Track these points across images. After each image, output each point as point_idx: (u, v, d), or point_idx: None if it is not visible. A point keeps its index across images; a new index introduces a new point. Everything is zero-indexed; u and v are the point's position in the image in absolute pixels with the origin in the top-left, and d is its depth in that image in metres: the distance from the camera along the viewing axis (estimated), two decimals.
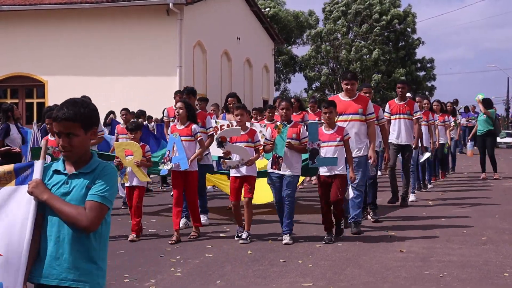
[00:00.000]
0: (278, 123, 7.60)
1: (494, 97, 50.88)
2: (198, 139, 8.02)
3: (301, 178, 9.80)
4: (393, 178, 10.36)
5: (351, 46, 39.96)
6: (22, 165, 3.00)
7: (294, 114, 11.09)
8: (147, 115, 14.95)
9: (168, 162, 7.93)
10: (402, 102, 10.30)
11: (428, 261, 6.47)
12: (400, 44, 41.69)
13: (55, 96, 20.68)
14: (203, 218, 8.64)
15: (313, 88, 43.28)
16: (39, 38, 21.60)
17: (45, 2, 21.28)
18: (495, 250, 6.92)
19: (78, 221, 2.81)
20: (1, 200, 2.93)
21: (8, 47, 21.85)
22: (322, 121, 8.22)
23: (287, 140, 7.38)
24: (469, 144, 20.96)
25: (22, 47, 21.72)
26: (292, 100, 11.59)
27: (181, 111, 7.98)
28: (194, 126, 8.02)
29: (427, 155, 11.61)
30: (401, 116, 10.22)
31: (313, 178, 13.84)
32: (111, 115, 13.95)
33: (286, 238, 7.44)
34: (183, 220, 8.54)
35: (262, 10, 32.08)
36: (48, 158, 7.35)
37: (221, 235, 7.99)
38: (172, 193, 12.19)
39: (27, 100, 22.69)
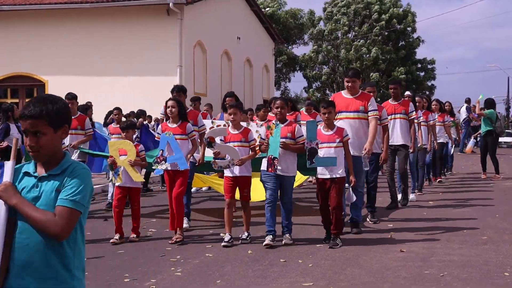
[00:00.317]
0: (271, 123, 7.49)
1: (494, 97, 50.86)
2: (192, 138, 7.92)
3: (303, 178, 9.68)
4: (392, 183, 10.18)
5: (351, 46, 39.96)
6: None
7: (287, 114, 11.01)
8: (147, 114, 14.93)
9: (163, 162, 7.72)
10: (396, 102, 10.15)
11: (428, 261, 6.47)
12: (400, 43, 41.67)
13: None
14: (185, 222, 8.35)
15: (314, 88, 43.27)
16: (39, 38, 21.60)
17: (45, 2, 21.28)
18: (495, 250, 6.92)
19: (47, 228, 2.59)
20: None
21: (8, 47, 21.85)
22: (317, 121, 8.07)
23: (282, 140, 7.24)
24: (471, 141, 20.96)
25: (22, 47, 21.72)
26: None
27: (173, 109, 7.84)
28: (188, 124, 7.93)
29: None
30: (396, 116, 10.05)
31: (313, 178, 13.84)
32: (112, 115, 13.91)
33: (287, 238, 7.39)
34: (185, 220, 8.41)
35: (262, 10, 32.07)
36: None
37: (221, 234, 7.98)
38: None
39: (28, 100, 22.62)
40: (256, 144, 7.73)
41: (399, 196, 10.43)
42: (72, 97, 10.02)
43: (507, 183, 13.78)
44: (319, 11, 44.44)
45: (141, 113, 14.40)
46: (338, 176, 7.28)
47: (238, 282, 5.82)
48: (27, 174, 2.75)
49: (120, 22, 21.21)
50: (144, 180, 8.26)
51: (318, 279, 5.82)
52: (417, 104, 11.62)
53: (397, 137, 10.03)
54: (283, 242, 7.35)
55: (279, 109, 7.48)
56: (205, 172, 10.89)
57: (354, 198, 7.74)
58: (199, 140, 8.37)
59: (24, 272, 2.63)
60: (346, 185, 7.67)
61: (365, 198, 8.80)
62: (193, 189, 12.39)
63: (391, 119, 9.92)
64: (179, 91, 8.86)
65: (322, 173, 7.38)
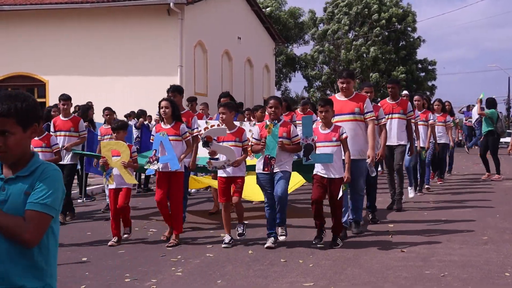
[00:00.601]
0: (268, 122, 7.34)
1: (495, 97, 50.82)
2: (186, 139, 7.80)
3: (301, 182, 9.46)
4: (392, 183, 10.02)
5: (351, 46, 39.96)
6: None
7: (283, 114, 10.77)
8: (147, 114, 14.93)
9: (155, 162, 7.61)
10: (394, 102, 10.01)
11: (429, 261, 6.47)
12: (400, 43, 41.67)
13: (56, 95, 20.51)
14: None
15: (314, 87, 43.28)
16: (40, 38, 21.61)
17: (46, 2, 21.29)
18: (496, 250, 6.91)
19: (15, 234, 2.40)
20: None
21: (9, 47, 21.86)
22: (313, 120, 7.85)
23: (279, 140, 7.13)
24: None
25: (23, 47, 21.73)
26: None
27: (167, 110, 7.70)
28: (182, 125, 7.80)
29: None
30: (394, 115, 9.90)
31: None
32: (113, 115, 13.91)
33: (282, 233, 7.26)
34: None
35: (263, 9, 32.07)
36: None
37: (222, 234, 7.98)
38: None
39: None
40: (248, 144, 7.62)
41: (394, 198, 10.14)
42: (66, 98, 9.91)
43: (507, 183, 13.77)
44: (319, 10, 44.47)
45: (142, 113, 14.41)
46: (337, 177, 7.13)
47: (238, 282, 5.82)
48: None
49: (120, 22, 21.22)
50: (137, 182, 8.14)
51: (318, 279, 5.82)
52: (417, 103, 11.52)
53: (394, 137, 9.87)
54: (279, 237, 7.28)
55: (272, 109, 7.35)
56: (198, 174, 10.82)
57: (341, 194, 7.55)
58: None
59: None
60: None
61: (365, 199, 8.72)
62: (192, 190, 12.37)
63: (388, 119, 9.76)
64: (174, 91, 8.71)
65: (321, 172, 7.20)
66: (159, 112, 7.93)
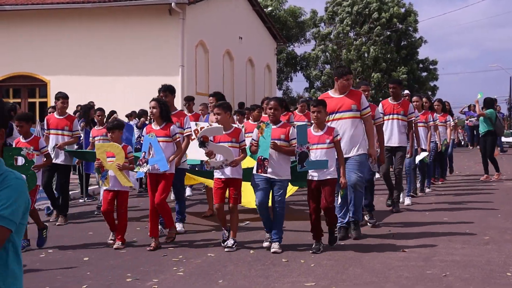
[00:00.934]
0: (262, 123, 7.18)
1: (496, 97, 50.80)
2: (176, 141, 7.61)
3: (294, 190, 9.15)
4: (389, 182, 9.74)
5: (352, 46, 39.96)
6: None
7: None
8: (148, 114, 14.95)
9: (145, 164, 7.43)
10: (396, 102, 9.79)
11: (430, 260, 6.46)
12: (402, 43, 41.64)
13: None
14: (179, 226, 8.28)
15: (315, 88, 43.30)
16: (41, 37, 21.61)
17: (47, 2, 21.28)
18: (498, 250, 6.91)
19: None
20: None
21: (10, 47, 21.86)
22: (310, 122, 7.61)
23: (272, 141, 6.90)
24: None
25: (24, 47, 21.73)
26: None
27: (154, 110, 7.51)
28: (173, 126, 7.61)
29: (423, 154, 11.09)
30: (394, 116, 9.68)
31: None
32: (114, 115, 13.94)
33: (275, 247, 6.98)
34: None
35: (264, 9, 32.06)
36: (22, 160, 7.19)
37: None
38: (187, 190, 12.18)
39: (30, 100, 22.68)
40: (245, 144, 7.43)
41: (389, 201, 9.93)
42: (65, 96, 9.79)
43: (509, 183, 13.76)
44: (320, 10, 44.46)
45: (143, 113, 14.41)
46: (329, 177, 6.91)
47: (240, 282, 5.82)
48: None
49: (122, 22, 21.22)
50: (133, 185, 7.95)
51: (320, 279, 5.82)
52: (415, 104, 11.11)
53: (394, 139, 9.66)
54: (271, 250, 6.96)
55: (272, 110, 7.16)
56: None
57: (340, 200, 7.44)
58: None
59: None
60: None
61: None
62: (187, 194, 12.23)
63: (389, 119, 9.64)
64: (165, 90, 8.47)
65: (313, 174, 6.99)
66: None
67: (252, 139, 7.20)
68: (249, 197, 8.23)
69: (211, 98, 10.38)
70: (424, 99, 11.97)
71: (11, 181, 2.30)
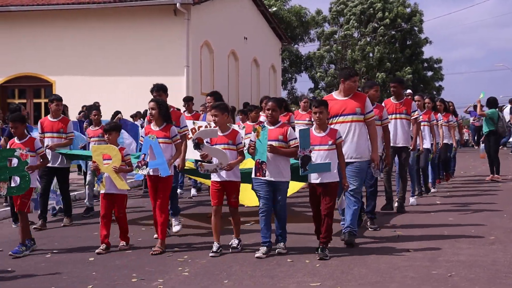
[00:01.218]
0: (257, 125, 7.02)
1: (501, 96, 50.59)
2: (176, 142, 7.43)
3: (299, 185, 9.08)
4: (388, 184, 9.62)
5: (356, 46, 39.94)
6: None
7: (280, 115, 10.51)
8: None
9: (144, 167, 7.24)
10: (398, 101, 9.64)
11: (436, 261, 6.45)
12: (407, 43, 41.58)
13: (62, 96, 20.62)
14: (175, 222, 8.21)
15: (320, 88, 43.29)
16: (46, 38, 21.68)
17: (53, 3, 21.35)
18: (503, 250, 6.89)
19: None
20: None
21: (16, 48, 21.93)
22: (312, 120, 7.27)
23: (269, 143, 6.74)
24: (482, 145, 20.48)
25: (29, 48, 21.80)
26: None
27: (153, 111, 7.35)
28: (173, 127, 7.44)
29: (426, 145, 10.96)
30: (397, 116, 9.55)
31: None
32: (119, 115, 13.98)
33: (280, 247, 6.92)
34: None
35: (269, 9, 32.07)
36: (16, 161, 7.15)
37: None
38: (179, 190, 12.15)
39: (35, 100, 22.77)
40: (243, 146, 7.24)
41: (396, 203, 9.81)
42: (59, 98, 9.61)
43: None
44: (325, 10, 44.37)
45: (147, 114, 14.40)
46: (330, 181, 6.77)
47: (245, 282, 5.83)
48: None
49: (127, 22, 21.26)
50: (129, 188, 7.79)
51: (325, 279, 5.82)
52: (417, 103, 10.85)
53: (398, 139, 9.51)
54: (276, 251, 6.89)
55: (270, 111, 6.97)
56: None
57: (345, 204, 7.23)
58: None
59: None
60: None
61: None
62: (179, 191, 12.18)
63: (392, 119, 9.45)
64: (158, 90, 8.29)
65: (314, 177, 6.85)
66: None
67: (250, 140, 7.03)
68: (246, 195, 8.12)
69: (208, 97, 10.20)
70: (426, 100, 11.83)
71: None
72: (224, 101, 8.97)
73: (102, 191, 7.51)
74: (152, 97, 8.03)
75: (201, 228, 8.78)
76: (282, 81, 38.31)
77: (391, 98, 9.83)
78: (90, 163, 10.03)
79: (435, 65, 43.01)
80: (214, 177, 7.08)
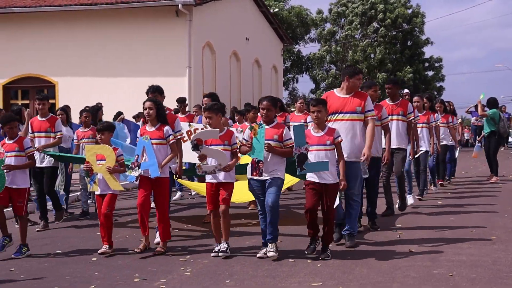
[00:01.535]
0: (254, 124, 6.89)
1: (503, 97, 50.58)
2: (170, 143, 7.30)
3: (294, 180, 8.91)
4: (387, 189, 9.34)
5: (358, 46, 39.94)
6: None
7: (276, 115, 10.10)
8: None
9: (137, 168, 7.15)
10: (394, 103, 9.39)
11: (437, 260, 6.47)
12: (408, 43, 41.55)
13: (65, 97, 20.81)
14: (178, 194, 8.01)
15: (321, 88, 43.30)
16: (49, 39, 21.72)
17: (56, 4, 21.42)
18: (504, 250, 6.90)
19: None
20: None
21: (19, 49, 21.98)
22: (306, 122, 7.04)
23: (266, 143, 6.61)
24: (476, 145, 20.40)
25: (32, 49, 21.84)
26: None
27: (151, 111, 7.24)
28: (166, 128, 7.31)
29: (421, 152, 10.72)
30: (393, 117, 9.25)
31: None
32: (122, 115, 14.01)
33: (271, 249, 6.69)
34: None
35: (271, 10, 32.11)
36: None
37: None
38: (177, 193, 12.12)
39: None
40: (237, 146, 7.10)
41: (397, 203, 9.66)
42: (42, 97, 9.45)
43: None
44: (325, 10, 44.36)
45: None
46: (330, 182, 6.65)
47: (247, 282, 5.85)
48: None
49: (129, 23, 21.30)
50: (123, 189, 7.72)
51: (327, 279, 5.84)
52: (416, 104, 10.81)
53: (393, 140, 9.15)
54: (268, 254, 6.69)
55: (265, 111, 6.83)
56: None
57: (338, 202, 7.00)
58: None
59: None
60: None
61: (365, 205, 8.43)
62: (175, 197, 11.94)
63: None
64: (154, 91, 8.15)
65: (312, 176, 6.70)
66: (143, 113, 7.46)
67: (243, 138, 6.93)
68: (239, 193, 7.96)
69: (205, 99, 10.08)
70: (424, 99, 11.54)
71: None
72: (222, 102, 8.89)
73: (97, 192, 7.41)
74: (148, 98, 7.83)
75: (203, 229, 8.80)
76: (283, 81, 38.32)
77: (387, 99, 9.61)
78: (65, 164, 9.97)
79: (436, 64, 42.95)
80: (210, 179, 6.97)
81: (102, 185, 7.35)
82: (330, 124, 7.01)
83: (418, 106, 10.91)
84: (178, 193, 12.18)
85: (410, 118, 9.47)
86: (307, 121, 8.39)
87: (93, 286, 5.88)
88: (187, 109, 12.72)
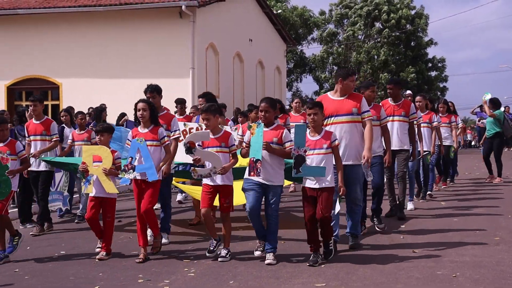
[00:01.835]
0: (252, 123, 6.79)
1: (506, 97, 50.46)
2: (164, 144, 7.13)
3: (286, 183, 8.60)
4: (391, 189, 9.27)
5: (361, 48, 39.89)
6: None
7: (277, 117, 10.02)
8: None
9: (131, 171, 6.92)
10: (396, 103, 9.29)
11: (440, 261, 6.47)
12: (411, 44, 41.47)
13: (69, 98, 20.89)
14: (164, 237, 7.79)
15: (325, 89, 43.26)
16: (53, 41, 21.79)
17: (59, 6, 21.49)
18: (508, 251, 6.90)
19: None
20: None
21: (23, 50, 22.06)
22: (306, 122, 6.89)
23: (265, 141, 6.46)
24: (482, 149, 20.23)
25: (36, 50, 21.92)
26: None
27: (144, 113, 7.01)
28: (161, 129, 7.13)
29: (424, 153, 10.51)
30: (395, 118, 9.16)
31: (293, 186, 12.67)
32: (125, 117, 14.03)
33: (270, 258, 6.56)
34: (149, 232, 7.40)
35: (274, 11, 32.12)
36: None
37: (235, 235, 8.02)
38: (178, 195, 12.07)
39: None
40: (235, 148, 6.95)
41: (395, 205, 9.49)
42: (34, 99, 9.17)
43: None
44: (325, 11, 44.31)
45: None
46: (325, 185, 6.42)
47: (251, 283, 5.86)
48: None
49: (132, 25, 21.35)
50: (118, 192, 7.58)
51: (330, 280, 5.85)
52: (418, 104, 10.79)
53: (394, 142, 9.07)
54: (265, 262, 6.55)
55: (263, 113, 6.66)
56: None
57: (339, 208, 6.91)
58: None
59: None
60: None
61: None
62: (178, 197, 11.88)
63: (389, 121, 8.93)
64: (153, 91, 7.94)
65: (309, 181, 6.52)
66: (135, 114, 7.24)
67: (244, 141, 6.80)
68: (236, 196, 7.62)
69: (200, 99, 9.94)
70: (426, 100, 11.40)
71: None
72: (217, 101, 8.75)
73: (91, 194, 7.23)
74: (145, 97, 7.71)
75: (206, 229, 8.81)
76: (287, 82, 38.33)
77: (389, 99, 9.48)
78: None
79: (439, 64, 42.87)
80: (207, 180, 6.83)
81: (97, 187, 7.18)
82: (327, 128, 6.87)
83: (421, 106, 10.86)
84: (183, 194, 12.16)
85: (413, 119, 9.35)
86: (307, 122, 8.32)
87: (97, 287, 5.90)
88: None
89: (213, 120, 6.84)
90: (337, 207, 6.85)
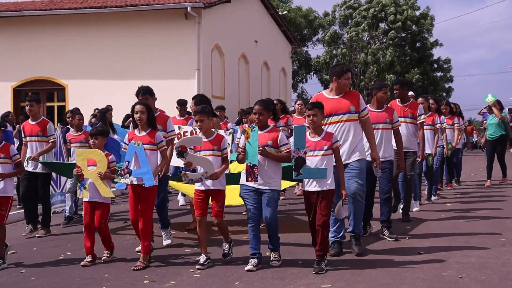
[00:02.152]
0: (246, 126, 6.54)
1: (511, 98, 50.25)
2: (161, 149, 6.90)
3: (288, 184, 8.55)
4: (395, 192, 9.00)
5: (367, 49, 39.86)
6: None
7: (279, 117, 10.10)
8: None
9: (127, 175, 6.69)
10: (403, 104, 9.10)
11: (446, 262, 6.46)
12: (417, 45, 41.41)
13: (75, 99, 20.97)
14: (165, 236, 7.75)
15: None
16: (59, 42, 21.89)
17: (65, 7, 21.58)
18: None
19: None
20: None
21: (29, 52, 22.16)
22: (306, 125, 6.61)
23: (260, 146, 6.26)
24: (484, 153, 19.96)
25: (43, 52, 22.01)
26: (275, 101, 10.08)
27: (143, 116, 6.78)
28: (158, 133, 6.92)
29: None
30: (402, 120, 8.80)
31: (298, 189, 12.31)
32: (130, 118, 14.06)
33: (274, 258, 6.56)
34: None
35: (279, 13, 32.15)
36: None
37: (243, 237, 8.02)
38: (180, 199, 11.96)
39: (48, 104, 22.98)
40: (227, 152, 6.80)
41: (401, 206, 9.44)
42: (31, 99, 8.94)
43: None
44: (328, 11, 44.32)
45: None
46: (326, 188, 6.26)
47: (256, 284, 5.86)
48: None
49: (138, 26, 21.41)
50: (114, 196, 7.44)
51: (335, 281, 5.85)
52: (421, 105, 10.21)
53: (403, 143, 8.59)
54: (270, 263, 6.53)
55: (256, 115, 6.44)
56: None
57: (344, 214, 6.72)
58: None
59: None
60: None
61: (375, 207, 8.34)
62: (181, 202, 11.75)
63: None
64: (145, 93, 7.76)
65: (308, 184, 6.36)
66: (132, 117, 7.00)
67: (239, 147, 6.56)
68: (230, 197, 7.50)
69: (192, 101, 9.59)
70: (431, 101, 11.33)
71: None
72: (209, 100, 8.62)
73: (86, 199, 7.04)
74: (138, 100, 7.44)
75: (212, 230, 8.82)
76: (292, 83, 38.33)
77: (397, 100, 9.24)
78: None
79: (444, 66, 42.79)
80: (198, 186, 6.64)
81: (91, 191, 6.99)
82: (325, 128, 6.73)
83: (424, 108, 10.68)
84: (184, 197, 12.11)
85: (421, 121, 9.21)
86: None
87: None
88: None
89: (206, 121, 6.67)
90: (343, 213, 6.69)
